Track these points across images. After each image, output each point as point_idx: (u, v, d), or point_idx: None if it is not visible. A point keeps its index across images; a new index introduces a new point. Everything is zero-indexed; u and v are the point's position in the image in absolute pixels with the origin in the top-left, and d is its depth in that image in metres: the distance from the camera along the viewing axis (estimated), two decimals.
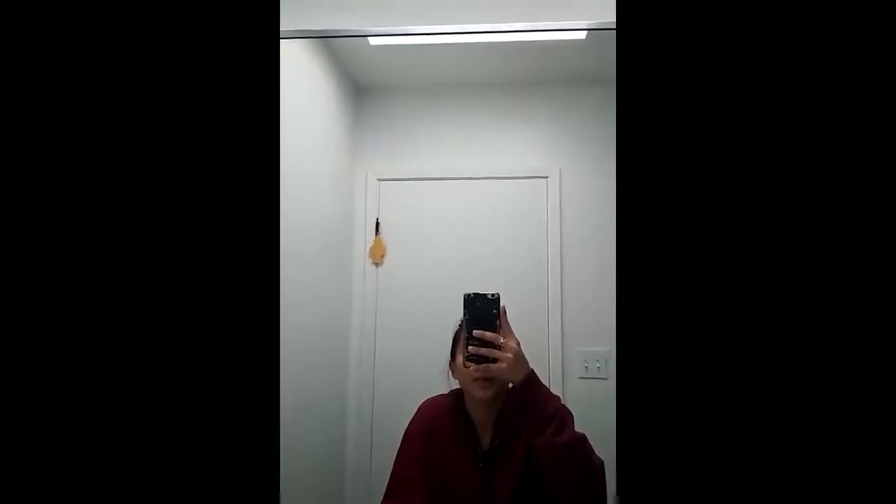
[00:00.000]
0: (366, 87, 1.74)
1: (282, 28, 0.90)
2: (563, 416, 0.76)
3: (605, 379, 1.51)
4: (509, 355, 0.75)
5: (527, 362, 0.77)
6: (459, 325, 0.93)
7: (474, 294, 0.79)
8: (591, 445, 0.78)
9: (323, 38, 1.35)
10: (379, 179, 1.72)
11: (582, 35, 1.34)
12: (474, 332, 0.77)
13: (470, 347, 0.77)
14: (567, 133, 1.67)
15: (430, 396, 0.97)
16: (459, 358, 0.89)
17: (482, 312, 0.78)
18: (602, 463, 0.79)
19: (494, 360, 0.76)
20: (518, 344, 0.77)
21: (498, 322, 0.77)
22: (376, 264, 1.68)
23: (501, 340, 0.76)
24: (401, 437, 0.94)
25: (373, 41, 1.42)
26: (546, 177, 1.65)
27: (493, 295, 0.79)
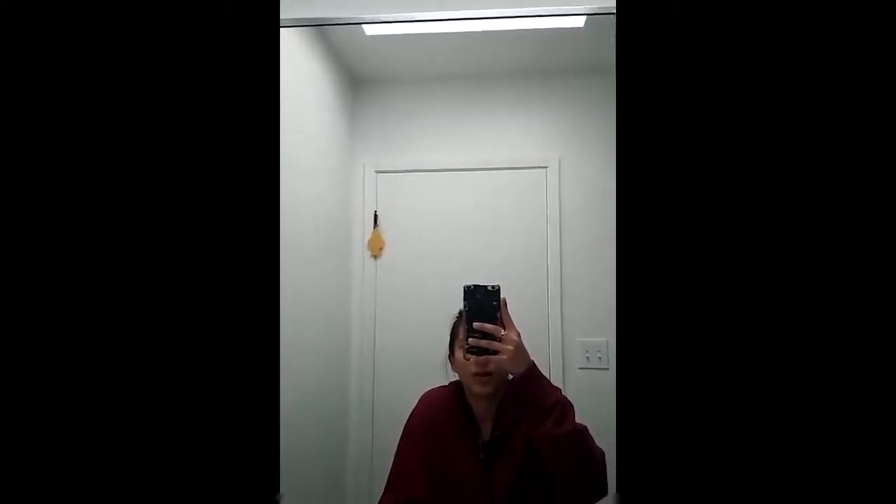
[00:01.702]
0: (362, 78, 1.72)
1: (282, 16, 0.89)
2: (563, 408, 0.76)
3: (606, 369, 1.51)
4: (510, 347, 0.75)
5: (527, 354, 0.77)
6: (457, 318, 0.92)
7: (474, 286, 0.78)
8: (591, 436, 0.78)
9: (318, 26, 1.33)
10: (377, 172, 1.71)
11: (580, 23, 1.32)
12: (475, 324, 0.76)
13: (470, 339, 0.76)
14: (566, 123, 1.65)
15: (430, 388, 0.97)
16: (459, 353, 0.88)
17: (482, 304, 0.78)
18: (603, 454, 0.79)
19: (495, 352, 0.75)
20: (519, 335, 0.77)
21: (498, 314, 0.77)
22: (375, 257, 1.67)
23: (502, 332, 0.76)
24: (401, 429, 0.94)
25: (369, 31, 1.40)
26: (545, 167, 1.64)
27: (493, 286, 0.78)
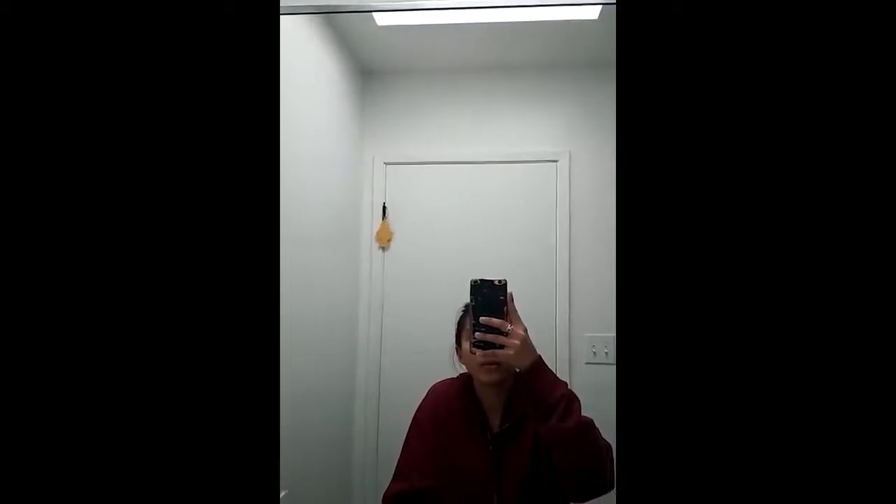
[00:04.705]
0: (373, 69, 1.71)
1: (285, 3, 0.88)
2: (569, 402, 0.76)
3: (612, 364, 1.51)
4: (516, 342, 0.75)
5: (534, 348, 0.77)
6: (463, 311, 0.93)
7: (481, 280, 0.79)
8: (597, 430, 0.79)
9: (325, 13, 1.32)
10: (386, 163, 1.70)
11: (594, 15, 1.30)
12: (481, 318, 0.77)
13: (477, 334, 0.77)
14: (577, 117, 1.64)
15: (438, 380, 0.98)
16: (466, 344, 0.89)
17: (489, 298, 0.78)
18: (609, 446, 0.79)
19: (501, 347, 0.76)
20: (525, 330, 0.77)
21: (505, 308, 0.77)
22: (383, 248, 1.68)
23: (509, 327, 0.76)
24: (407, 420, 0.95)
25: (380, 22, 1.40)
26: (555, 161, 1.63)
27: (500, 281, 0.78)
